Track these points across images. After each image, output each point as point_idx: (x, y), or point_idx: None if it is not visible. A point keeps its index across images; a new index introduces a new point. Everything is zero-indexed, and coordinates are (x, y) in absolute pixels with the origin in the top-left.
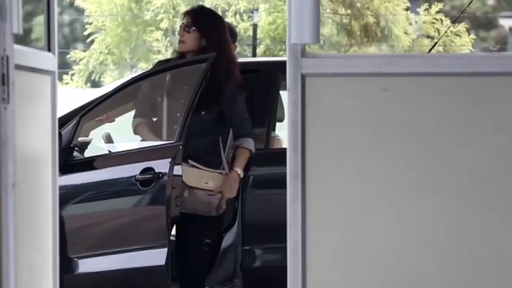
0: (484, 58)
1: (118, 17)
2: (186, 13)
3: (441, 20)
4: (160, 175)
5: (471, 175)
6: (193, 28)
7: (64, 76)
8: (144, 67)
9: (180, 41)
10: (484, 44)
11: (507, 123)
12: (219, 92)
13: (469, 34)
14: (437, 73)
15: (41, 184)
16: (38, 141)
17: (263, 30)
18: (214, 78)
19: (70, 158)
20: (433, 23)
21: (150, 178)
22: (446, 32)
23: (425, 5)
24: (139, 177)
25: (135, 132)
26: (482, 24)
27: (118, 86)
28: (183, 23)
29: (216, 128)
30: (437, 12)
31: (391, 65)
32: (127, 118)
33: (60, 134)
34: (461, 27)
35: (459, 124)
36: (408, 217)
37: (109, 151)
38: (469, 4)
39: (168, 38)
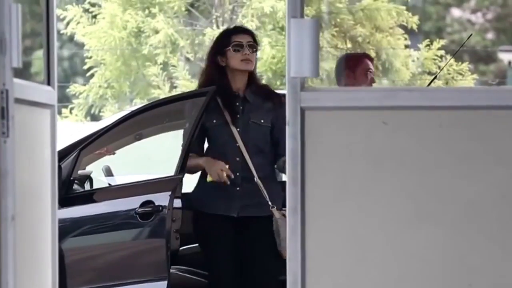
0: (483, 91)
1: (117, 51)
2: (245, 31)
3: (445, 57)
4: (160, 208)
5: (470, 208)
6: (255, 48)
7: (63, 110)
8: (142, 101)
9: (249, 60)
10: (484, 78)
11: (506, 157)
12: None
13: (472, 74)
14: (437, 107)
15: (41, 217)
16: (38, 174)
17: (265, 63)
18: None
19: (70, 191)
20: (434, 59)
21: (150, 211)
22: (446, 65)
23: (426, 41)
24: (139, 210)
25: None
26: (481, 58)
27: (118, 119)
28: (247, 42)
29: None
30: (439, 49)
31: (390, 98)
32: (126, 151)
33: (60, 167)
34: (464, 66)
35: (459, 157)
36: (407, 250)
37: (109, 184)
38: (468, 38)
39: (165, 73)
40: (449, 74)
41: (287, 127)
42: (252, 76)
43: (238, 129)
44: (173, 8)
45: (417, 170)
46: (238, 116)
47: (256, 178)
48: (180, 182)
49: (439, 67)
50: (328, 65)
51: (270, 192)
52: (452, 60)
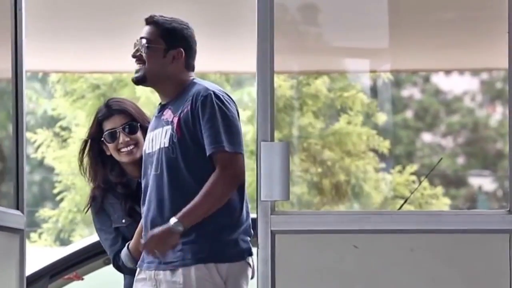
0: (454, 216)
1: None
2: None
3: (417, 182)
4: None
5: None
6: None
7: (32, 234)
8: None
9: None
10: (455, 202)
11: (477, 280)
12: None
13: (444, 197)
14: (407, 230)
15: None
16: None
17: None
18: None
19: None
20: (407, 184)
21: None
22: (416, 189)
23: (399, 167)
24: None
25: None
26: (452, 182)
27: (87, 244)
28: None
29: None
30: (411, 174)
31: (360, 222)
32: (95, 276)
33: None
34: (438, 190)
35: (430, 281)
36: None
37: None
38: (438, 162)
39: None
40: (422, 198)
41: (258, 250)
42: None
43: None
44: None
45: None
46: None
47: None
48: None
49: (411, 191)
50: (299, 189)
51: None
52: (426, 184)
